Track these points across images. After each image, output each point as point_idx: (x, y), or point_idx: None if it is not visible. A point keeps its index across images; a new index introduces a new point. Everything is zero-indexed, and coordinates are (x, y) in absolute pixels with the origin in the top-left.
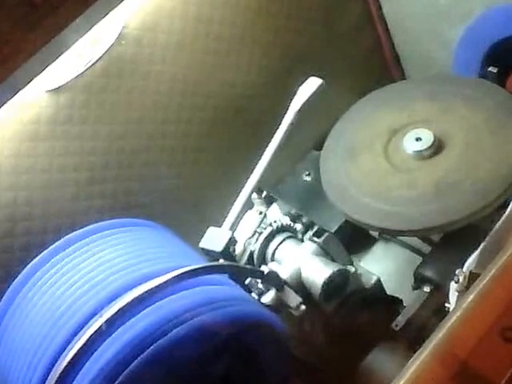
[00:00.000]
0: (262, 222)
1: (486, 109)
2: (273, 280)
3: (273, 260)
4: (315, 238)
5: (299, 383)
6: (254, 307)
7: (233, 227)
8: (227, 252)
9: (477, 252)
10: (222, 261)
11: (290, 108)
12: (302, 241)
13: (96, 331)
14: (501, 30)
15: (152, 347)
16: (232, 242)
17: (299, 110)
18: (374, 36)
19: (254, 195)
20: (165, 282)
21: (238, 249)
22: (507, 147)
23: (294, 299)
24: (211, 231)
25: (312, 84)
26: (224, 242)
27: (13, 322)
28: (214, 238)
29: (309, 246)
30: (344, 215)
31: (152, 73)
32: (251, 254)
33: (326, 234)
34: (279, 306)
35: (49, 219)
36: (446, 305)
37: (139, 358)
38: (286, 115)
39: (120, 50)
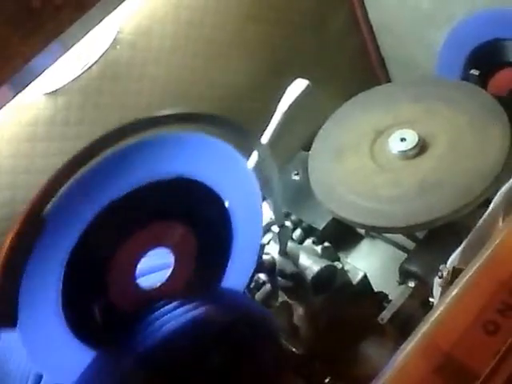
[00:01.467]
0: None
1: (469, 110)
2: (285, 236)
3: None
4: (314, 246)
5: (289, 374)
6: (246, 301)
7: None
8: None
9: (460, 248)
10: None
11: (277, 109)
12: (291, 238)
13: None
14: (482, 34)
15: (146, 341)
16: None
17: (286, 110)
18: (359, 40)
19: None
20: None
21: None
22: (488, 147)
23: (290, 267)
24: None
25: (299, 85)
26: None
27: None
28: None
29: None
30: (331, 213)
31: (146, 76)
32: None
33: (326, 244)
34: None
35: None
36: (430, 299)
37: (134, 352)
38: (274, 116)
39: (115, 54)
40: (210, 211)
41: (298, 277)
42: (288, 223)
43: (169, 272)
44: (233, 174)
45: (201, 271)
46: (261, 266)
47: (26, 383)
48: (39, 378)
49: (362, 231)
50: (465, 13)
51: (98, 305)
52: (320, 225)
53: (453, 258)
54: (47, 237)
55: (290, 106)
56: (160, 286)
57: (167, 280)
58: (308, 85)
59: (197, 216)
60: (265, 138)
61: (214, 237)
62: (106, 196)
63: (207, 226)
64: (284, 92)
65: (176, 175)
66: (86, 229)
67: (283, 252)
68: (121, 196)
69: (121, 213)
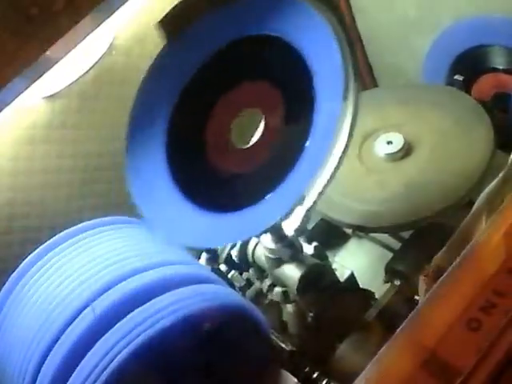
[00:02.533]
0: None
1: (453, 114)
2: (309, 217)
3: (253, 257)
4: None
5: (278, 369)
6: (236, 299)
7: None
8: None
9: (444, 248)
10: (204, 254)
11: None
12: None
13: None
14: (466, 41)
15: (139, 338)
16: None
17: None
18: None
19: None
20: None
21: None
22: (472, 150)
23: (298, 243)
24: None
25: None
26: None
27: (10, 314)
28: None
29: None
30: (320, 214)
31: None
32: (231, 249)
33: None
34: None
35: (45, 217)
36: (415, 297)
37: (126, 348)
38: None
39: (111, 60)
40: (299, 79)
41: (300, 249)
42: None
43: (259, 132)
44: (325, 50)
45: (288, 133)
46: (275, 229)
47: (23, 378)
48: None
49: (350, 231)
50: (450, 20)
51: (197, 158)
52: (309, 225)
53: (437, 257)
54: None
55: None
56: (252, 146)
57: (258, 140)
58: None
59: (286, 81)
60: None
61: (300, 105)
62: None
63: (295, 92)
64: None
65: (276, 37)
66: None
67: (300, 230)
68: (226, 46)
69: (223, 64)
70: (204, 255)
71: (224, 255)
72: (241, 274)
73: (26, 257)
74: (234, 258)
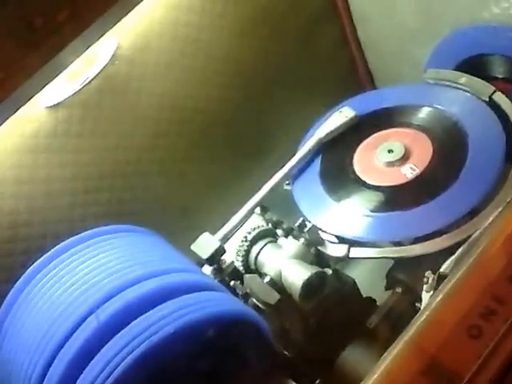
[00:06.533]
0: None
1: None
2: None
3: (255, 264)
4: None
5: (280, 376)
6: (238, 306)
7: (224, 238)
8: (213, 260)
9: (453, 257)
10: (207, 266)
11: (314, 134)
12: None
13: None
14: (466, 50)
15: (143, 345)
16: (219, 252)
17: (323, 137)
18: (348, 56)
19: (258, 210)
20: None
21: (229, 259)
22: None
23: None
24: (204, 237)
25: (345, 114)
26: (210, 252)
27: (15, 322)
28: (205, 245)
29: (289, 250)
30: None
31: (143, 90)
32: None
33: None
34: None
35: (48, 226)
36: (417, 304)
37: (130, 355)
38: (309, 141)
39: (114, 69)
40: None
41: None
42: (280, 231)
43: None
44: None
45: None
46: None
47: (28, 383)
48: None
49: None
50: (449, 30)
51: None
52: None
53: (445, 266)
54: None
55: (328, 134)
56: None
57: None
58: (355, 115)
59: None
60: (293, 161)
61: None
62: None
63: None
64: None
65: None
66: None
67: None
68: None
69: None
70: (208, 267)
71: (230, 268)
72: (242, 282)
73: (31, 265)
74: (236, 265)
